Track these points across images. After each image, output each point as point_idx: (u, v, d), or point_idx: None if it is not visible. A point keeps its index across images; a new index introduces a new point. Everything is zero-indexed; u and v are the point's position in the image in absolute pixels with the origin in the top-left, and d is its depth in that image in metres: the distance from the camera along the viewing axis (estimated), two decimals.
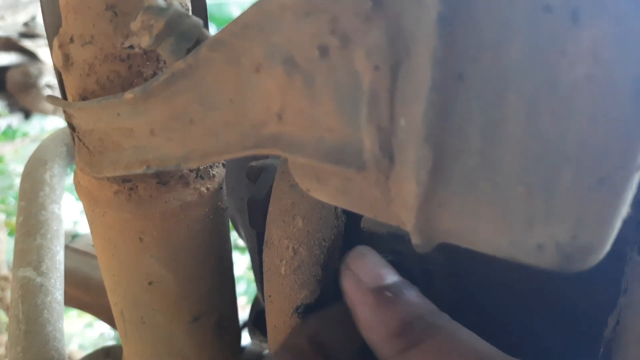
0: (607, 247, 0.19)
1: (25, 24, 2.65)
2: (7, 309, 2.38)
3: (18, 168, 2.94)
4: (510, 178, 0.18)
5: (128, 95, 0.22)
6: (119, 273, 0.31)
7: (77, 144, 0.28)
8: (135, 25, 0.21)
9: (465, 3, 0.16)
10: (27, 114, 2.88)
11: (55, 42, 0.26)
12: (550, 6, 0.15)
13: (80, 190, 0.29)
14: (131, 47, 0.25)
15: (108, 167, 0.25)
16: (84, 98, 0.26)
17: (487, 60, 0.17)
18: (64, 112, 0.27)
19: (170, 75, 0.20)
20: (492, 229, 0.19)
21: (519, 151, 0.17)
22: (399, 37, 0.17)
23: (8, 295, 2.39)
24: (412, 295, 0.25)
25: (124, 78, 0.25)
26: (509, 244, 0.19)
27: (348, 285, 0.25)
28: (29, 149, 2.95)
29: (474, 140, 0.18)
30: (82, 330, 1.98)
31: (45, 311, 0.37)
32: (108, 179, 0.27)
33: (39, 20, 2.66)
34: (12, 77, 2.70)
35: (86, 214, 0.31)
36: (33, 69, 2.65)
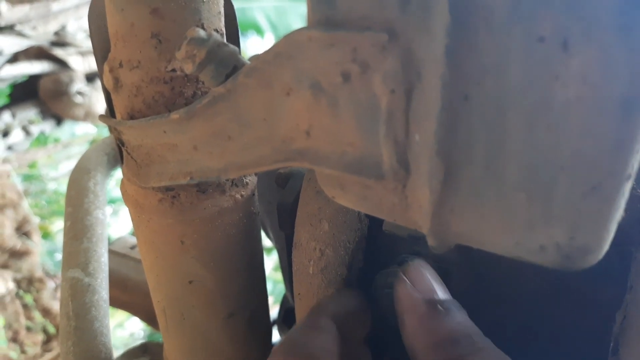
0: (604, 247, 0.20)
1: (56, 33, 2.73)
2: (42, 310, 2.45)
3: (51, 173, 3.03)
4: (512, 186, 0.20)
5: (174, 115, 0.25)
6: (162, 273, 0.34)
7: (125, 158, 0.31)
8: (180, 55, 0.23)
9: (469, 34, 0.18)
10: (59, 121, 2.97)
11: (106, 67, 0.29)
12: (543, 37, 0.18)
13: (127, 198, 0.32)
14: (173, 70, 0.28)
15: (154, 178, 0.28)
16: (131, 116, 0.29)
17: (489, 83, 0.19)
18: (114, 129, 0.30)
19: (211, 99, 0.23)
20: (498, 231, 0.21)
21: (519, 162, 0.19)
22: (411, 64, 0.20)
23: (43, 296, 2.47)
24: (461, 315, 0.25)
25: (168, 98, 0.28)
26: (514, 245, 0.21)
27: (402, 292, 0.26)
28: (61, 154, 3.04)
29: (480, 153, 0.20)
30: (113, 331, 2.04)
31: (93, 309, 0.40)
32: (153, 188, 0.30)
33: (70, 29, 2.74)
34: (44, 85, 2.78)
35: (132, 220, 0.34)
36: (64, 77, 2.74)
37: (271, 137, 0.23)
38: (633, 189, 0.29)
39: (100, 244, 0.44)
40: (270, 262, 2.12)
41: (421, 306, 0.25)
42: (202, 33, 0.23)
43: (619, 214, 0.20)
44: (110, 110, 0.32)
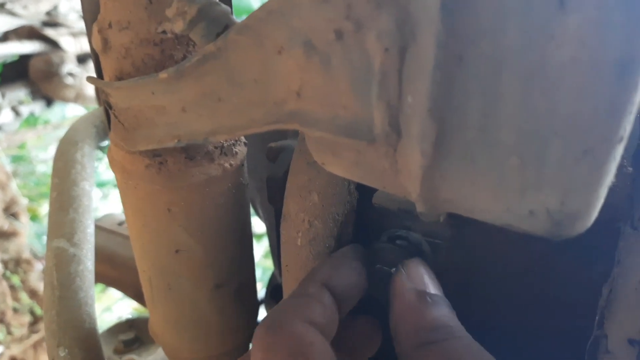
0: (593, 214, 0.20)
1: (48, 13, 2.69)
2: (29, 291, 2.44)
3: (40, 154, 3.00)
4: (505, 150, 0.20)
5: (162, 75, 0.24)
6: (149, 242, 0.34)
7: (112, 122, 0.30)
8: (170, 12, 0.23)
9: None
10: (49, 102, 2.94)
11: (95, 27, 0.28)
12: None
13: (114, 164, 0.32)
14: (164, 32, 0.27)
15: (142, 142, 0.28)
16: (120, 79, 0.28)
17: (485, 43, 0.19)
18: (102, 91, 0.29)
19: (201, 57, 0.23)
20: (489, 197, 0.21)
21: (513, 126, 0.19)
22: (406, 23, 0.19)
23: (30, 278, 2.46)
24: (448, 310, 0.27)
25: (157, 61, 0.28)
26: (504, 211, 0.21)
27: (398, 280, 0.28)
28: (51, 136, 3.01)
29: (473, 116, 0.20)
30: (100, 314, 2.03)
31: (78, 279, 0.40)
32: (140, 153, 0.30)
33: (61, 9, 2.70)
34: (34, 66, 2.75)
35: (119, 187, 0.34)
36: (55, 58, 2.70)
37: (262, 98, 0.23)
38: (623, 165, 0.29)
39: (87, 215, 0.43)
40: (260, 249, 2.12)
41: (411, 294, 0.27)
42: None
43: (609, 178, 0.20)
44: (99, 74, 0.31)
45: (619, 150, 0.19)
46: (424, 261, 0.31)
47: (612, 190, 0.28)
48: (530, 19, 0.18)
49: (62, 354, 0.37)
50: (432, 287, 0.28)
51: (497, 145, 0.20)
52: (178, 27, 0.23)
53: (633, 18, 0.17)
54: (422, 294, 0.27)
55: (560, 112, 0.18)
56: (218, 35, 0.23)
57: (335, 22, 0.20)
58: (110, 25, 0.28)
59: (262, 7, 0.21)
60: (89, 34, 0.30)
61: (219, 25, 0.23)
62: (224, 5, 0.23)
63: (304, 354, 0.23)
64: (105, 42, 0.28)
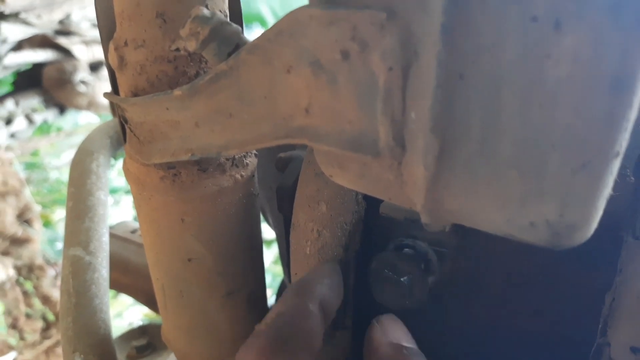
0: (592, 225, 0.21)
1: (61, 22, 2.73)
2: (41, 297, 2.47)
3: (53, 161, 3.04)
4: (505, 163, 0.20)
5: (177, 92, 0.25)
6: (162, 250, 0.35)
7: (128, 135, 0.31)
8: (184, 32, 0.24)
9: (465, 14, 0.19)
10: (62, 109, 2.98)
11: (111, 46, 0.29)
12: (536, 16, 0.18)
13: (129, 176, 0.33)
14: (177, 49, 0.28)
15: (156, 155, 0.29)
16: (135, 95, 0.30)
17: (484, 61, 0.19)
18: (118, 106, 0.30)
19: (213, 75, 0.24)
20: (491, 208, 0.22)
21: (513, 139, 0.20)
22: (409, 43, 0.20)
23: (43, 284, 2.48)
24: None
25: (171, 77, 0.29)
26: (506, 222, 0.22)
27: (373, 334, 0.29)
28: (64, 143, 3.05)
29: (474, 130, 0.20)
30: (111, 320, 2.04)
31: (93, 286, 0.41)
32: (155, 165, 0.31)
33: (74, 17, 2.74)
34: (47, 74, 2.79)
35: (134, 198, 0.35)
36: (68, 66, 2.74)
37: (271, 114, 0.24)
38: (625, 175, 0.29)
39: (102, 223, 0.45)
40: (270, 255, 2.13)
41: (387, 347, 0.28)
42: (206, 12, 0.24)
43: (607, 191, 0.20)
44: (115, 89, 0.32)
45: (616, 165, 0.20)
46: (395, 316, 0.31)
47: (614, 200, 0.29)
48: (527, 38, 0.19)
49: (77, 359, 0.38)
50: (406, 341, 0.29)
51: (496, 158, 0.21)
52: (191, 46, 0.24)
53: (626, 37, 0.17)
54: (398, 347, 0.28)
55: (558, 127, 0.19)
56: (229, 54, 0.24)
57: (342, 42, 0.21)
58: (126, 44, 0.29)
59: (272, 28, 0.22)
60: (105, 51, 0.31)
61: (230, 44, 0.24)
62: (234, 25, 0.24)
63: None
64: (121, 60, 0.29)
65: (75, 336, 0.39)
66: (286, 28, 0.22)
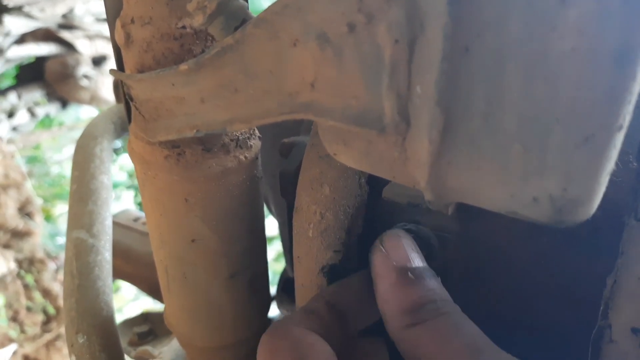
0: (596, 201, 0.21)
1: (64, 16, 2.73)
2: (42, 291, 2.47)
3: (55, 156, 3.04)
4: (508, 137, 0.20)
5: (182, 66, 0.25)
6: (166, 231, 0.35)
7: (133, 113, 0.31)
8: (191, 6, 0.24)
9: None
10: (64, 103, 2.98)
11: (118, 23, 0.30)
12: None
13: (134, 155, 0.33)
14: (183, 27, 0.28)
15: (162, 132, 0.29)
16: (141, 72, 0.30)
17: (489, 35, 0.20)
18: (124, 83, 0.30)
19: (220, 49, 0.24)
20: (494, 183, 0.22)
21: (517, 113, 0.20)
22: (415, 15, 0.20)
23: (44, 277, 2.49)
24: (432, 282, 0.27)
25: (177, 55, 0.29)
26: (509, 198, 0.22)
27: (377, 258, 0.28)
28: (66, 137, 3.06)
29: (478, 104, 0.21)
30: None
31: (96, 268, 0.41)
32: (159, 144, 0.31)
33: (77, 11, 2.74)
34: (50, 68, 2.79)
35: (138, 178, 0.35)
36: (71, 60, 2.74)
37: (277, 89, 0.24)
38: (628, 161, 0.29)
39: (105, 207, 0.45)
40: (272, 252, 2.13)
41: (392, 272, 0.26)
42: None
43: (610, 165, 0.20)
44: (120, 67, 0.33)
45: (619, 138, 0.20)
46: (403, 231, 0.30)
47: (617, 185, 0.29)
48: (532, 11, 0.19)
49: (80, 340, 0.38)
50: (415, 260, 0.27)
51: (500, 133, 0.21)
52: (198, 20, 0.24)
53: (630, 10, 0.18)
54: (403, 271, 0.26)
55: (561, 100, 0.19)
56: (236, 28, 0.24)
57: (348, 15, 0.21)
58: (132, 21, 0.29)
59: (278, 2, 0.22)
60: (112, 29, 0.31)
61: (236, 19, 0.24)
62: (241, 1, 0.25)
63: (305, 354, 0.24)
64: (128, 37, 0.29)
65: (79, 317, 0.39)
66: (292, 1, 0.22)
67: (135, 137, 0.32)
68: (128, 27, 0.29)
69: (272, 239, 1.75)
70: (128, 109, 0.32)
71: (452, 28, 0.20)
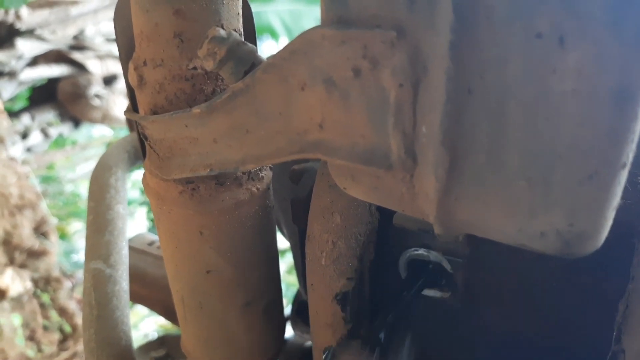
0: (603, 234, 0.21)
1: (75, 37, 2.78)
2: (58, 309, 2.49)
3: (69, 174, 3.08)
4: (513, 174, 0.21)
5: (195, 110, 0.26)
6: (181, 263, 0.36)
7: (148, 151, 0.32)
8: (201, 52, 0.25)
9: (472, 31, 0.20)
10: (77, 123, 3.02)
11: (131, 65, 0.31)
12: (541, 33, 0.19)
13: (149, 190, 0.34)
14: (195, 68, 0.29)
15: (176, 170, 0.30)
16: (154, 112, 0.31)
17: (491, 76, 0.20)
18: (138, 124, 0.31)
19: (231, 93, 0.25)
20: (501, 218, 0.22)
21: (520, 150, 0.21)
22: (418, 60, 0.21)
23: (60, 296, 2.50)
24: None
25: (189, 95, 0.30)
26: (517, 232, 0.22)
27: None
28: (79, 156, 3.09)
29: (482, 142, 0.21)
30: None
31: (114, 298, 0.42)
32: (174, 180, 0.32)
33: (88, 33, 2.79)
34: (62, 88, 2.83)
35: (153, 212, 0.36)
36: (82, 80, 2.78)
37: (287, 129, 0.25)
38: (637, 183, 0.30)
39: (121, 237, 0.46)
40: (284, 264, 2.13)
41: None
42: (222, 32, 0.25)
43: (615, 201, 0.21)
44: (134, 107, 0.34)
45: (623, 175, 0.20)
46: None
47: (626, 208, 0.29)
48: (532, 54, 0.19)
49: None
50: None
51: (505, 169, 0.21)
52: (209, 66, 0.25)
53: (628, 52, 0.18)
54: None
55: (564, 138, 0.20)
56: (246, 72, 0.25)
57: (353, 60, 0.22)
58: (145, 63, 0.30)
59: (286, 48, 0.23)
60: (125, 70, 0.32)
61: (246, 63, 0.25)
62: (250, 45, 0.25)
63: None
64: (141, 79, 0.30)
65: (98, 348, 0.40)
66: (300, 47, 0.23)
67: (150, 173, 0.33)
68: (141, 69, 0.30)
69: (284, 251, 1.75)
70: (142, 145, 0.33)
71: (455, 70, 0.20)
